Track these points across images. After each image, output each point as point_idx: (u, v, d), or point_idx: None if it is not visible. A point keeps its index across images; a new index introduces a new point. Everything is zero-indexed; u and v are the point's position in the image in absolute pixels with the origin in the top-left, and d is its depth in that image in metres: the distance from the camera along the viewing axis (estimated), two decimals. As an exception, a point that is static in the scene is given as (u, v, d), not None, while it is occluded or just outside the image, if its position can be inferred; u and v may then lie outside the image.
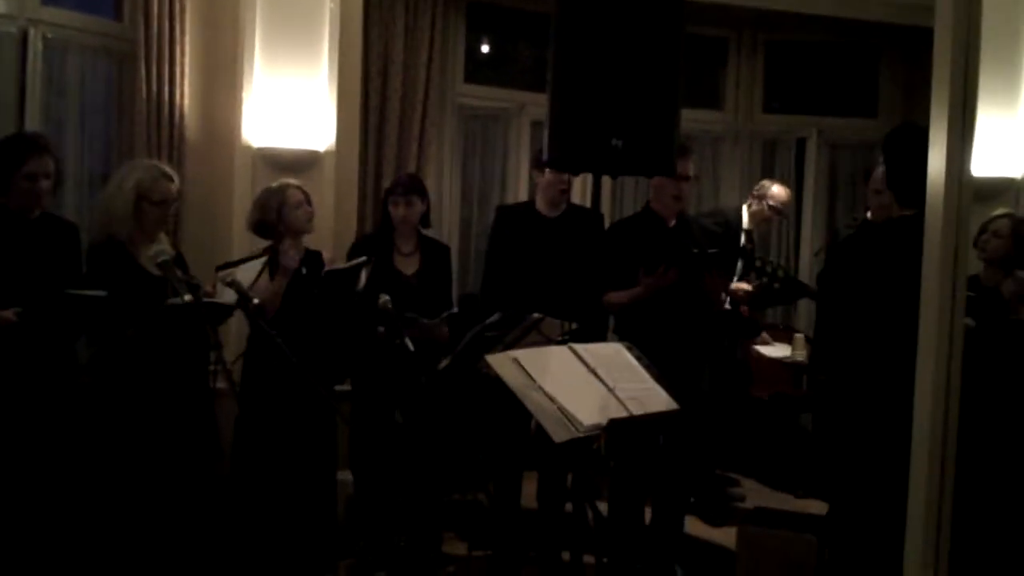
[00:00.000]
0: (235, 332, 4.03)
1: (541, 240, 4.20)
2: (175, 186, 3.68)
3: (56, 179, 3.51)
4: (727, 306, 4.65)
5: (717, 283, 4.09)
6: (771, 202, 5.34)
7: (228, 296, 3.40)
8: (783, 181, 5.66)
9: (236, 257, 4.09)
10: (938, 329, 1.49)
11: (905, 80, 6.38)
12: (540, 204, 4.34)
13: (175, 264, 3.53)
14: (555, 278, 4.07)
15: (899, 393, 2.77)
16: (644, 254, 4.01)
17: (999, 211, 4.01)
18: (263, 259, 3.82)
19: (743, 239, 5.30)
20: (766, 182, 5.49)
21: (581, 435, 2.48)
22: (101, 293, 3.25)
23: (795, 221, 6.53)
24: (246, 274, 3.68)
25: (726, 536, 4.40)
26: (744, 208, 5.41)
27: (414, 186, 4.31)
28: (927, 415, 1.50)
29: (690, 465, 4.33)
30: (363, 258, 3.87)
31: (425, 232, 4.40)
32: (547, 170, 4.20)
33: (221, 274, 3.58)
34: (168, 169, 3.77)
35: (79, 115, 4.63)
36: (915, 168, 2.96)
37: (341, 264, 3.91)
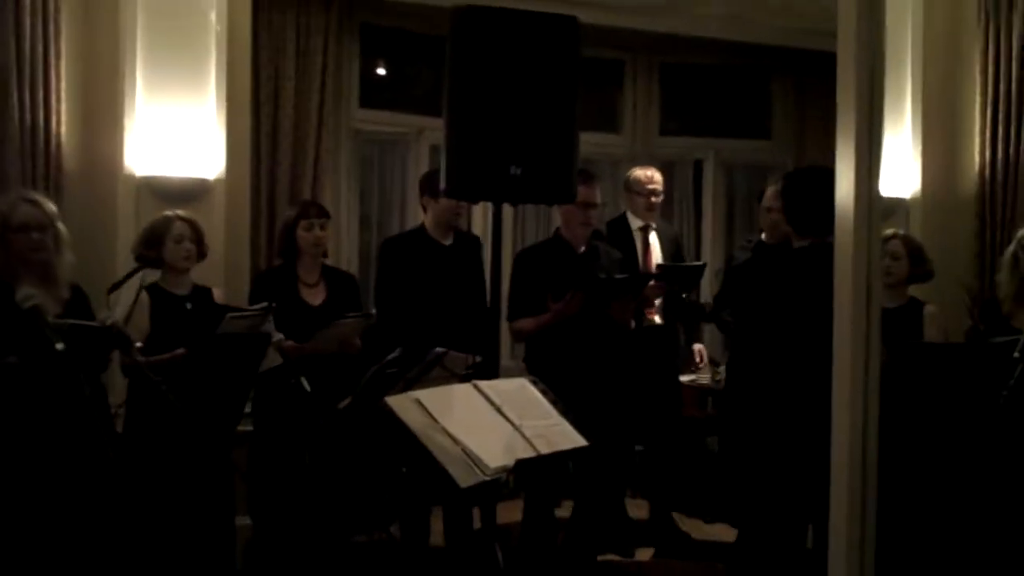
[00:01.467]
0: (119, 377, 3.80)
1: (437, 268, 4.11)
2: (40, 212, 3.43)
3: None
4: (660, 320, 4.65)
5: (624, 308, 4.08)
6: (638, 187, 5.03)
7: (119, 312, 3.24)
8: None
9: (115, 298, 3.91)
10: (852, 352, 1.45)
11: (796, 101, 6.53)
12: (434, 231, 4.23)
13: (75, 302, 3.34)
14: (453, 306, 3.99)
15: (809, 414, 2.78)
16: (553, 281, 3.97)
17: (887, 232, 4.10)
18: (138, 278, 3.64)
19: (641, 242, 4.99)
20: (629, 173, 5.20)
21: (487, 478, 2.38)
22: None
23: (695, 243, 6.59)
24: (123, 301, 3.51)
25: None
26: (627, 213, 5.11)
27: (324, 210, 4.24)
28: (845, 439, 1.45)
29: (601, 491, 4.29)
30: (264, 304, 3.70)
31: (325, 261, 4.26)
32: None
33: (107, 307, 3.41)
34: (33, 195, 3.54)
35: (-54, 145, 4.34)
36: (811, 203, 3.48)
37: (244, 311, 3.72)
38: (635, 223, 5.04)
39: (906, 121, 5.25)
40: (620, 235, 4.94)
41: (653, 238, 5.03)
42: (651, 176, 5.05)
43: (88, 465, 3.14)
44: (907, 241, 3.97)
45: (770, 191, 4.81)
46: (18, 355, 3.13)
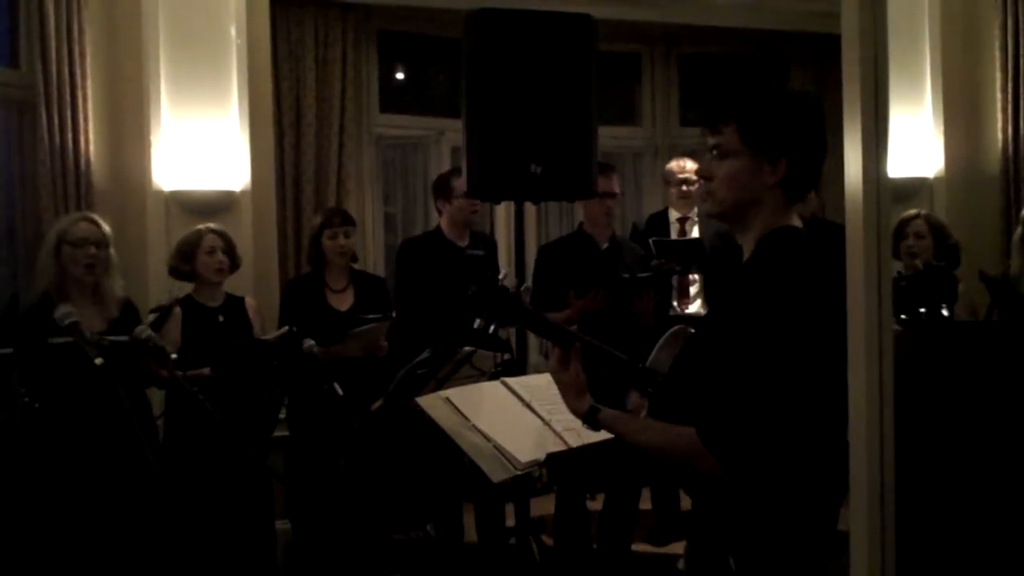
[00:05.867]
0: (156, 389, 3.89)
1: (453, 269, 4.14)
2: (98, 230, 3.58)
3: None
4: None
5: (646, 305, 4.08)
6: (670, 177, 4.96)
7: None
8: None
9: (154, 302, 4.05)
10: (866, 337, 1.46)
11: (815, 86, 6.50)
12: (450, 232, 4.28)
13: (123, 319, 3.50)
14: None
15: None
16: (576, 276, 3.99)
17: (909, 212, 4.09)
18: (175, 314, 3.74)
19: (678, 234, 4.89)
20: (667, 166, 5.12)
21: (519, 473, 2.42)
22: (6, 351, 3.11)
23: (720, 231, 6.57)
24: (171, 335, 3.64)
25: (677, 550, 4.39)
26: (669, 209, 5.05)
27: (348, 217, 4.28)
28: (862, 425, 1.47)
29: (634, 485, 4.30)
30: (284, 329, 3.76)
31: (354, 266, 4.32)
32: (458, 196, 4.18)
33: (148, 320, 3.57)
34: (93, 215, 3.73)
35: (-21, 169, 4.46)
36: None
37: (270, 335, 3.82)
38: (674, 215, 4.98)
39: (926, 100, 5.22)
40: (659, 228, 4.92)
41: (695, 231, 4.92)
42: (682, 166, 4.96)
43: (129, 474, 3.22)
44: (930, 220, 3.96)
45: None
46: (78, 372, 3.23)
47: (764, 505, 1.75)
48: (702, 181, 1.92)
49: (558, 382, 2.01)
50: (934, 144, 5.20)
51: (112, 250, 3.63)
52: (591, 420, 1.95)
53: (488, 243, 4.44)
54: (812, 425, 1.72)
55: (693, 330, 2.11)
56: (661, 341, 2.20)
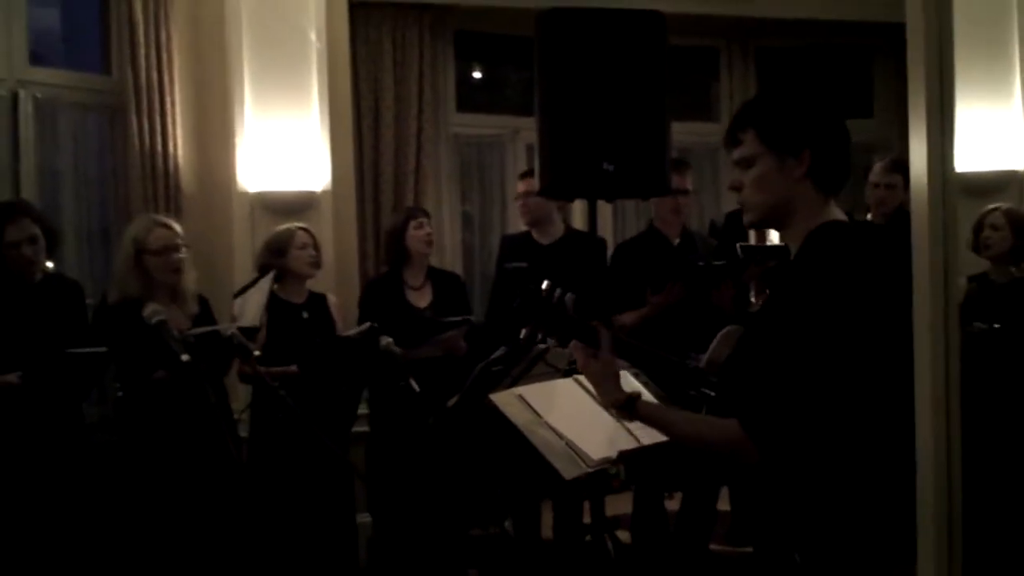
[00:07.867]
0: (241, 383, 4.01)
1: (536, 268, 4.17)
2: (173, 233, 3.67)
3: (48, 240, 3.53)
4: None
5: (726, 295, 4.05)
6: None
7: (247, 318, 3.51)
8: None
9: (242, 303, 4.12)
10: (932, 333, 1.44)
11: (899, 78, 6.33)
12: (533, 230, 4.32)
13: (202, 314, 3.64)
14: None
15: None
16: (650, 273, 3.98)
17: (990, 206, 4.00)
18: (270, 279, 3.82)
19: (756, 231, 4.63)
20: None
21: (591, 470, 2.44)
22: (101, 349, 3.24)
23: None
24: (254, 302, 3.69)
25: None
26: None
27: (425, 211, 4.39)
28: (928, 422, 1.45)
29: (712, 485, 4.27)
30: (367, 325, 3.84)
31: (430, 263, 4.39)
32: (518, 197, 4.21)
33: (232, 313, 3.66)
34: (163, 218, 3.80)
35: (74, 172, 4.66)
36: None
37: (351, 332, 3.90)
38: None
39: (1015, 92, 5.05)
40: (737, 225, 4.86)
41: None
42: None
43: (216, 468, 3.33)
44: (1010, 213, 3.85)
45: (878, 166, 4.70)
46: (165, 369, 3.36)
47: (826, 499, 1.74)
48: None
49: (591, 374, 1.99)
50: (1023, 136, 5.04)
51: (184, 247, 3.71)
52: (629, 409, 1.91)
53: (574, 239, 4.39)
54: (861, 415, 1.70)
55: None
56: (715, 341, 2.20)
